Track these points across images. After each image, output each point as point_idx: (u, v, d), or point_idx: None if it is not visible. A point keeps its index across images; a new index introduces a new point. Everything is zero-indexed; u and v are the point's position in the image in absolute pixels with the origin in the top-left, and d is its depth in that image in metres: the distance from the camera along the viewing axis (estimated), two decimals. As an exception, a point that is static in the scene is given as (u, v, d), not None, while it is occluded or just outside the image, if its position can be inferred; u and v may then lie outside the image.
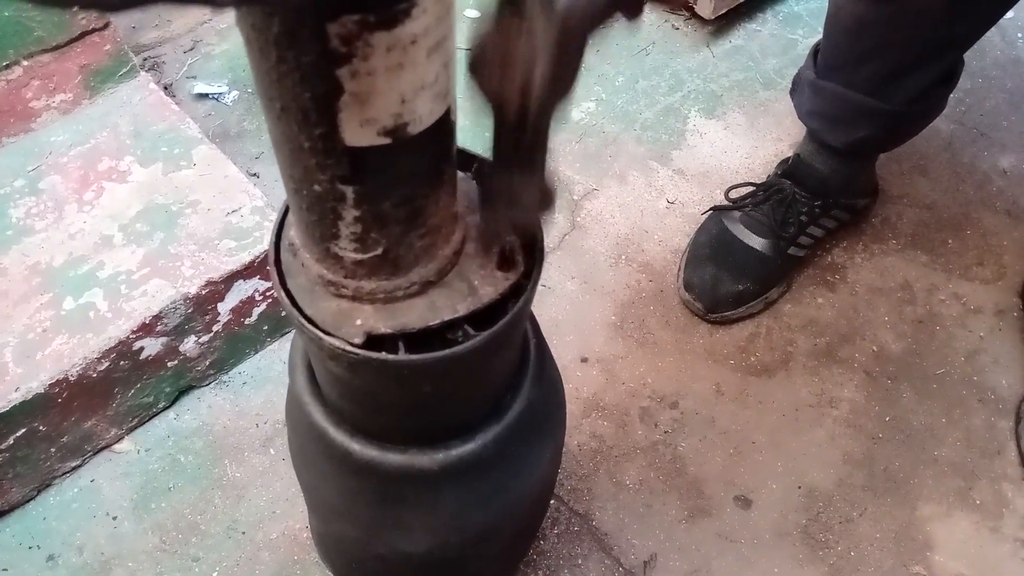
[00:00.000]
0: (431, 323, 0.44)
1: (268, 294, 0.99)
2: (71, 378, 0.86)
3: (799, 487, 0.98)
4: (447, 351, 0.43)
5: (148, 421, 0.98)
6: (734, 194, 1.15)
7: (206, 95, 1.29)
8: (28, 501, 0.93)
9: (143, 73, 1.09)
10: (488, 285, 0.45)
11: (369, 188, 0.37)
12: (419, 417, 0.52)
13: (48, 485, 0.94)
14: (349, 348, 0.43)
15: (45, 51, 0.99)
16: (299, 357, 0.57)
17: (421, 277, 0.44)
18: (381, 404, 0.50)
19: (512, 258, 0.46)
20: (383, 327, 0.43)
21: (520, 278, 0.46)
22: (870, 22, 0.95)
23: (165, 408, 0.99)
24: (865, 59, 0.98)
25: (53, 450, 0.91)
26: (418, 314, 0.44)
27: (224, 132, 1.25)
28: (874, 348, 1.10)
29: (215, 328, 0.96)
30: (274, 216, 0.96)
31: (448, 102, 0.37)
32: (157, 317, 0.89)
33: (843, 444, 1.02)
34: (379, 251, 0.41)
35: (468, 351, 0.44)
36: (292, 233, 0.45)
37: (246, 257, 0.93)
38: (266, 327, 1.02)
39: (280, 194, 1.20)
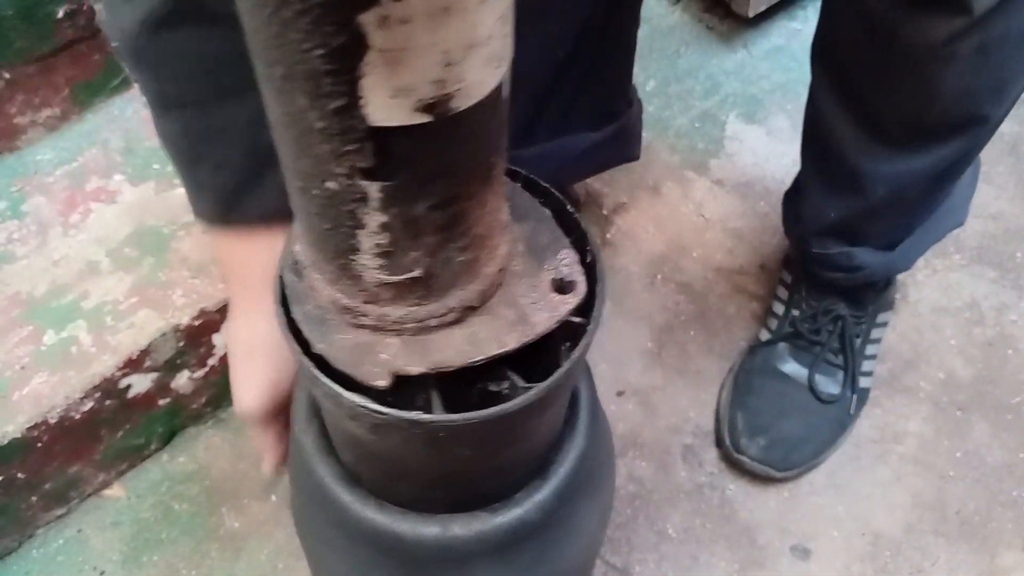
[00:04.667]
0: (473, 359, 0.35)
1: (269, 323, 0.91)
2: (51, 420, 0.79)
3: (863, 534, 0.89)
4: (495, 410, 0.35)
5: (139, 464, 0.91)
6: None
7: (209, 108, 1.22)
8: (9, 554, 0.86)
9: (136, 85, 1.02)
10: (542, 311, 0.37)
11: (400, 185, 0.29)
12: (453, 482, 0.43)
13: (31, 536, 0.87)
14: (374, 407, 0.34)
15: (29, 63, 0.92)
16: (304, 403, 0.48)
17: (460, 301, 0.35)
18: (408, 468, 0.42)
19: (570, 277, 0.37)
20: (414, 365, 0.35)
21: (580, 302, 0.37)
22: None
23: (157, 450, 0.91)
24: None
25: (35, 499, 0.84)
26: (456, 348, 0.35)
27: (227, 147, 1.17)
28: (941, 375, 1.00)
29: (210, 362, 0.89)
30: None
31: (504, 70, 0.28)
32: (145, 351, 0.82)
33: (911, 484, 0.92)
34: (411, 268, 0.33)
35: (521, 408, 0.35)
36: (297, 248, 0.37)
37: (244, 283, 0.86)
38: (268, 359, 0.94)
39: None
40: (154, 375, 0.85)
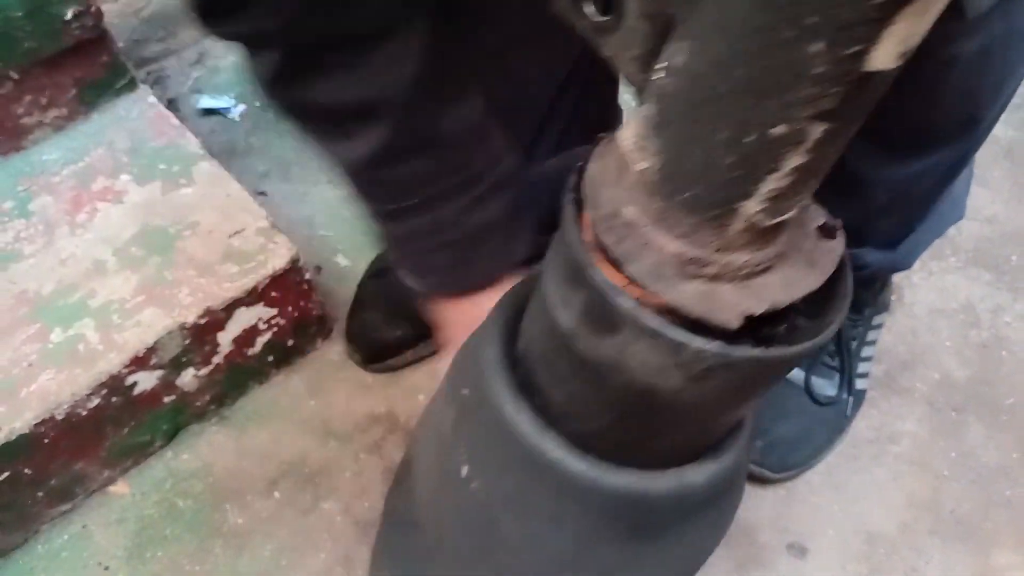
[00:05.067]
0: (796, 296, 0.38)
1: (273, 322, 0.91)
2: (58, 417, 0.80)
3: (859, 533, 0.89)
4: (826, 334, 0.38)
5: (144, 461, 0.91)
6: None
7: (212, 110, 1.22)
8: (14, 550, 0.86)
9: (142, 86, 1.03)
10: (823, 254, 0.40)
11: (839, 126, 0.30)
12: (706, 430, 0.46)
13: (36, 532, 0.87)
14: (749, 353, 0.36)
15: (36, 63, 0.93)
16: (507, 383, 0.46)
17: (777, 249, 0.37)
18: (689, 417, 0.43)
19: (831, 223, 0.41)
20: (757, 306, 0.37)
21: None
22: None
23: (162, 447, 0.92)
24: None
25: (40, 494, 0.84)
26: (779, 290, 0.38)
27: (230, 149, 1.18)
28: (937, 376, 1.00)
29: (215, 360, 0.89)
30: (280, 238, 0.89)
31: None
32: (151, 349, 0.83)
33: (906, 484, 0.93)
34: (788, 210, 0.35)
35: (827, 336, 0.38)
36: (629, 209, 0.37)
37: (249, 282, 0.86)
38: (271, 358, 0.94)
39: (291, 213, 1.14)
40: (159, 373, 0.85)
